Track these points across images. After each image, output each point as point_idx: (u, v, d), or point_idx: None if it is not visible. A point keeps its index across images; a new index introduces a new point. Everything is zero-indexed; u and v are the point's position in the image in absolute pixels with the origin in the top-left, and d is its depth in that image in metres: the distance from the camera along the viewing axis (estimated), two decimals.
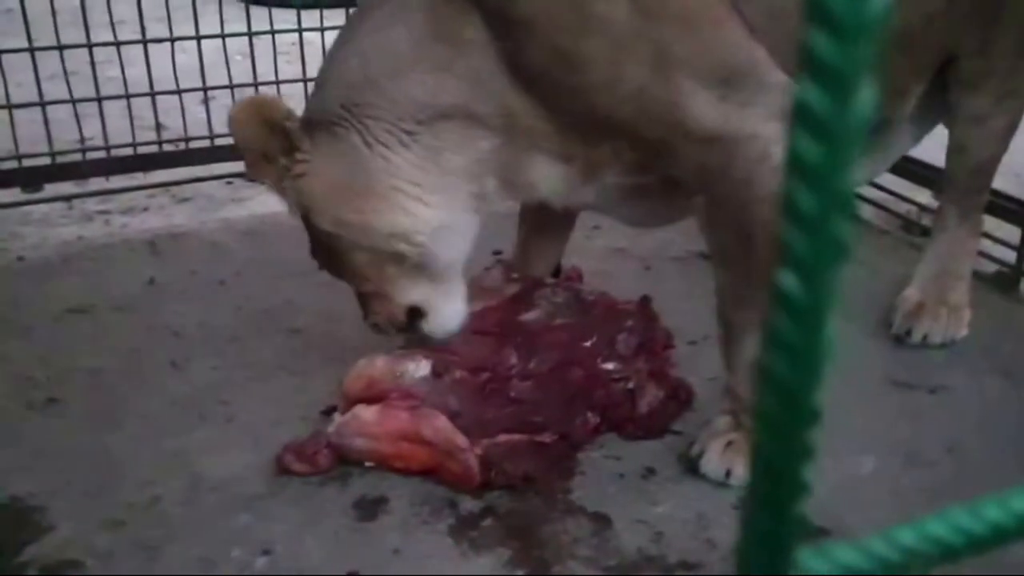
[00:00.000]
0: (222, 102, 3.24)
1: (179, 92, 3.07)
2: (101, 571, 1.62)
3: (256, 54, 3.16)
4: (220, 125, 3.18)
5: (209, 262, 2.73)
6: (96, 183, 3.15)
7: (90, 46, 2.92)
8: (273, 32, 3.17)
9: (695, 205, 1.80)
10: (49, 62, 2.92)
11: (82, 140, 3.07)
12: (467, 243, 1.87)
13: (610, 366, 1.93)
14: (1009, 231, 2.65)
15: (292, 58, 3.29)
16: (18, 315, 2.43)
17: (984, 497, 0.38)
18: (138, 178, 3.17)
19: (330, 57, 1.86)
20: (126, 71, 3.00)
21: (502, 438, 1.80)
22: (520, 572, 1.61)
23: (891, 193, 3.05)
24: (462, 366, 1.86)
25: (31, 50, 2.84)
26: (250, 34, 3.14)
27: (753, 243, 1.68)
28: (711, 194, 1.73)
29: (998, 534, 0.37)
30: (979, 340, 2.31)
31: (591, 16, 1.61)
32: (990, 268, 2.67)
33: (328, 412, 1.96)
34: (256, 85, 3.16)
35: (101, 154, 3.06)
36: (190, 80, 3.10)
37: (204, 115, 3.18)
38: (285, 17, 3.37)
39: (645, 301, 2.08)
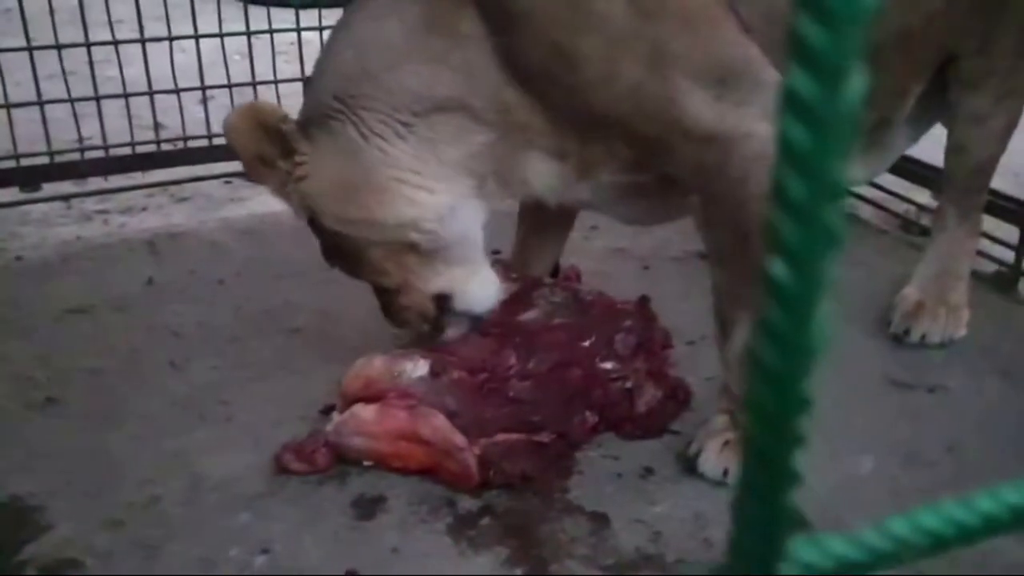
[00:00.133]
0: (220, 101, 3.25)
1: (177, 91, 3.07)
2: (100, 570, 1.62)
3: (254, 53, 3.16)
4: (218, 124, 3.16)
5: (208, 262, 2.73)
6: (95, 183, 3.15)
7: (88, 45, 2.92)
8: (271, 31, 3.17)
9: (691, 204, 1.80)
10: (47, 61, 2.92)
11: (80, 139, 3.07)
12: (477, 224, 1.87)
13: (608, 366, 1.93)
14: (1008, 231, 2.65)
15: (290, 57, 3.30)
16: (17, 315, 2.43)
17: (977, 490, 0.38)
18: (136, 177, 3.17)
19: (326, 49, 1.86)
20: (124, 70, 3.00)
21: (500, 437, 1.80)
22: (518, 571, 1.62)
23: (890, 193, 3.05)
24: (460, 366, 1.86)
25: (29, 49, 2.84)
26: (248, 33, 3.14)
27: (749, 241, 1.68)
28: (707, 193, 1.73)
29: (990, 526, 0.37)
30: (978, 340, 2.31)
31: (588, 12, 1.61)
32: (989, 268, 2.67)
33: (327, 411, 1.96)
34: (255, 84, 3.16)
35: (99, 153, 3.06)
36: (188, 79, 3.10)
37: (202, 114, 3.18)
38: (283, 16, 3.37)
39: (643, 301, 2.08)
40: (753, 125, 1.64)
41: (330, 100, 1.78)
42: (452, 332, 1.92)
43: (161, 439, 1.95)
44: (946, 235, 2.37)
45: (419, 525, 1.72)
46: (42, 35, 2.89)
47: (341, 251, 1.88)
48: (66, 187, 3.13)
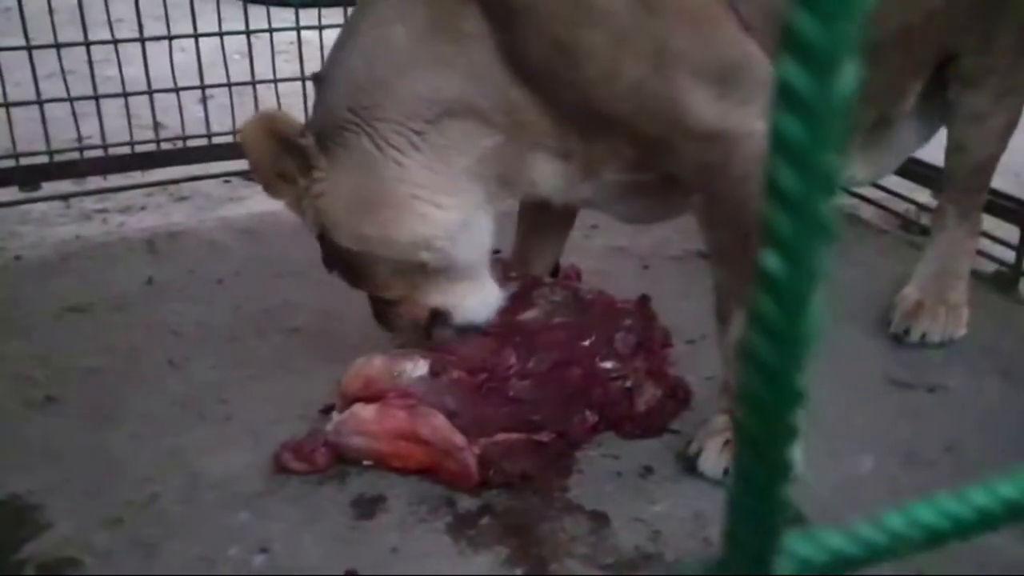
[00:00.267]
0: (220, 101, 3.25)
1: (177, 91, 3.07)
2: (99, 569, 1.62)
3: (254, 53, 3.16)
4: (218, 124, 3.20)
5: (207, 261, 2.73)
6: (94, 182, 3.15)
7: (87, 44, 2.92)
8: (271, 30, 3.17)
9: (693, 202, 1.80)
10: (47, 61, 2.92)
11: (80, 139, 3.06)
12: (485, 241, 1.88)
13: (608, 365, 1.93)
14: (1008, 230, 2.65)
15: (290, 57, 3.30)
16: (16, 314, 2.42)
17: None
18: (136, 177, 3.17)
19: (332, 58, 1.85)
20: (124, 70, 3.00)
21: (500, 437, 1.80)
22: (518, 570, 1.61)
23: (890, 192, 3.05)
24: (460, 365, 1.86)
25: (28, 48, 2.84)
26: (248, 32, 3.14)
27: (751, 240, 1.67)
28: (709, 191, 1.73)
29: (985, 519, 0.37)
30: (978, 339, 2.31)
31: (590, 8, 1.61)
32: (989, 267, 2.67)
33: (326, 411, 1.96)
34: (254, 84, 3.16)
35: (99, 153, 3.06)
36: (188, 79, 3.10)
37: (202, 114, 3.18)
38: (283, 16, 3.37)
39: (643, 300, 2.08)
40: (755, 124, 1.64)
41: (344, 112, 1.77)
42: (441, 339, 1.92)
43: (160, 438, 1.94)
44: (946, 234, 2.37)
45: (419, 525, 1.72)
46: (41, 34, 2.89)
47: (346, 264, 1.88)
48: (65, 186, 3.12)
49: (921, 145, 2.40)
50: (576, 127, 1.72)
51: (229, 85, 3.14)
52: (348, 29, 1.85)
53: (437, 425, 1.77)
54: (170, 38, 3.04)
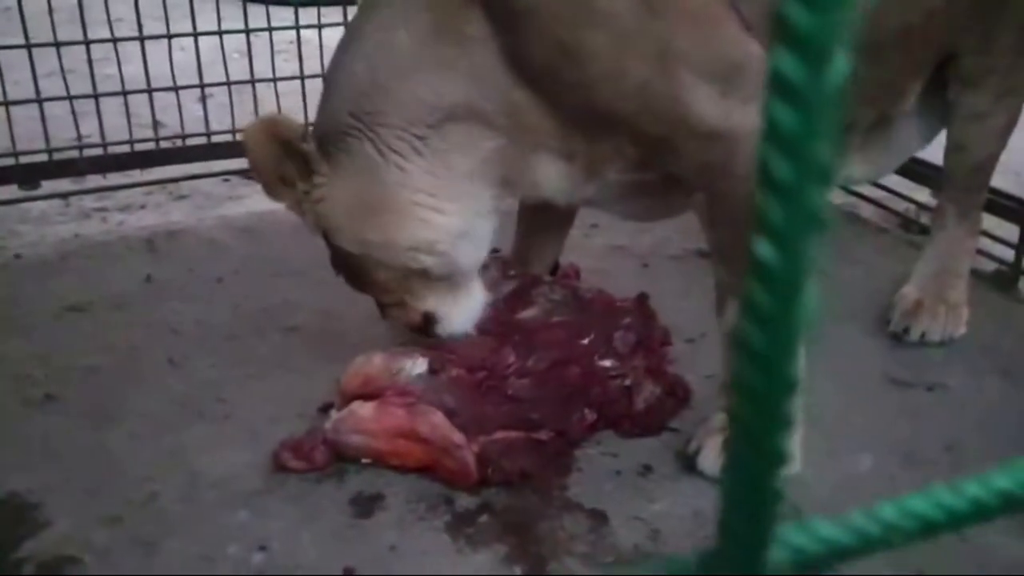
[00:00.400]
0: (219, 100, 3.25)
1: (176, 89, 3.07)
2: (99, 567, 1.62)
3: (253, 52, 3.16)
4: (217, 122, 3.20)
5: (206, 260, 2.73)
6: (93, 180, 3.15)
7: (87, 43, 2.92)
8: (271, 29, 3.17)
9: (695, 201, 1.80)
10: (46, 59, 2.92)
11: (79, 137, 3.06)
12: (485, 247, 1.90)
13: (607, 363, 1.93)
14: (1008, 229, 2.65)
15: (289, 56, 3.30)
16: (16, 313, 2.42)
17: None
18: (135, 175, 3.17)
19: (335, 63, 1.85)
20: (123, 68, 3.00)
21: (499, 435, 1.80)
22: (517, 568, 1.61)
23: (890, 191, 3.05)
24: (459, 364, 1.86)
25: (28, 47, 2.84)
26: (247, 31, 3.14)
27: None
28: (712, 190, 1.73)
29: (979, 511, 0.37)
30: (977, 338, 2.31)
31: (593, 9, 1.60)
32: (989, 266, 2.67)
33: (325, 409, 1.96)
34: (253, 83, 3.16)
35: (98, 151, 3.05)
36: (187, 77, 3.10)
37: (201, 112, 3.18)
38: (282, 15, 3.37)
39: (642, 298, 2.08)
40: (757, 122, 1.63)
41: (346, 117, 1.77)
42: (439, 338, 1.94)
43: (159, 437, 1.94)
44: (946, 233, 2.36)
45: (417, 523, 1.72)
46: (41, 33, 2.89)
47: (349, 268, 1.89)
48: (65, 185, 3.12)
49: (922, 146, 2.39)
50: (579, 128, 1.72)
51: (228, 84, 3.14)
52: (350, 33, 1.85)
53: (436, 423, 1.77)
54: (169, 37, 3.04)
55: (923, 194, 3.03)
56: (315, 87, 2.94)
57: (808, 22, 0.27)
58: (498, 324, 1.94)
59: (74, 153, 3.04)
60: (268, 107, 3.07)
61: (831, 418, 1.87)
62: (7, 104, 2.88)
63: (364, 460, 1.84)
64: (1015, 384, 2.15)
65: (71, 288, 2.54)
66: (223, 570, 1.61)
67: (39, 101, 2.90)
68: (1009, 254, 2.63)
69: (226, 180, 3.30)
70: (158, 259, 2.75)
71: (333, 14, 3.25)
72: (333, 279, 1.96)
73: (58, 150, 3.00)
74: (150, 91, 3.03)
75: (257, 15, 3.27)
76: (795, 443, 1.66)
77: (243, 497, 1.78)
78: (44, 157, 2.99)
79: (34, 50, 2.85)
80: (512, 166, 1.78)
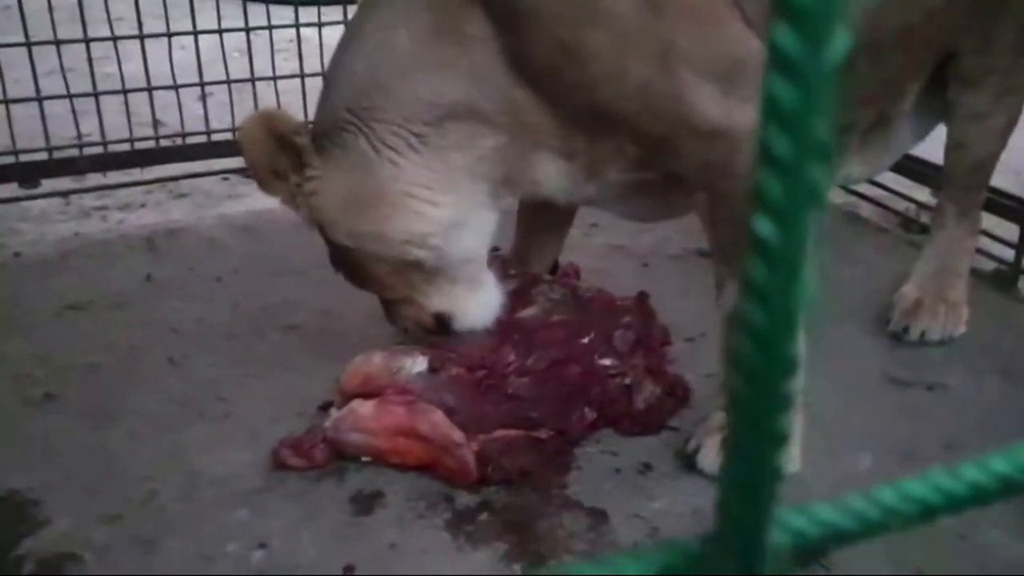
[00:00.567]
0: (219, 98, 3.25)
1: (176, 88, 3.07)
2: (99, 565, 1.62)
3: (253, 51, 3.16)
4: (217, 121, 3.20)
5: (206, 258, 2.73)
6: (93, 179, 3.15)
7: (87, 41, 2.92)
8: (271, 28, 3.17)
9: (697, 200, 1.80)
10: (46, 58, 2.92)
11: (79, 136, 3.06)
12: (483, 239, 1.88)
13: (607, 362, 1.93)
14: (1008, 229, 2.65)
15: (289, 55, 3.30)
16: (16, 311, 2.42)
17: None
18: (135, 174, 3.17)
19: (335, 60, 1.85)
20: (123, 67, 3.00)
21: (499, 433, 1.80)
22: (516, 566, 1.61)
23: (890, 191, 3.05)
24: (459, 363, 1.86)
25: (28, 45, 2.84)
26: (247, 30, 3.14)
27: None
28: (713, 190, 1.73)
29: (977, 494, 0.37)
30: (977, 338, 2.31)
31: (595, 9, 1.60)
32: (988, 266, 2.67)
33: (325, 407, 1.96)
34: (253, 81, 3.16)
35: (98, 150, 3.06)
36: (187, 76, 3.10)
37: (201, 111, 3.18)
38: (282, 14, 3.37)
39: (642, 298, 2.08)
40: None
41: (343, 113, 1.77)
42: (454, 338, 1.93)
43: (159, 435, 1.94)
44: (945, 233, 2.36)
45: (417, 521, 1.72)
46: (41, 31, 2.89)
47: (347, 263, 1.89)
48: (65, 183, 3.12)
49: (917, 142, 2.39)
50: (580, 127, 1.72)
51: (228, 83, 3.14)
52: (351, 32, 1.85)
53: (436, 421, 1.77)
54: (169, 35, 3.04)
55: (923, 193, 3.04)
56: (315, 86, 2.94)
57: None
58: (498, 323, 1.94)
59: (74, 151, 3.04)
60: (268, 105, 3.06)
61: (830, 417, 1.87)
62: (7, 102, 2.88)
63: (364, 458, 1.84)
64: (1015, 383, 2.15)
65: (71, 287, 2.54)
66: (223, 568, 1.61)
67: (39, 99, 2.90)
68: (1009, 253, 2.64)
69: (226, 179, 3.30)
70: (158, 258, 2.75)
71: (333, 12, 3.25)
72: (333, 278, 1.96)
73: (58, 148, 3.00)
74: (150, 89, 3.03)
75: (257, 14, 3.28)
76: (794, 442, 1.66)
77: (243, 495, 1.78)
78: (44, 155, 2.99)
79: (34, 48, 2.85)
80: (512, 164, 1.78)
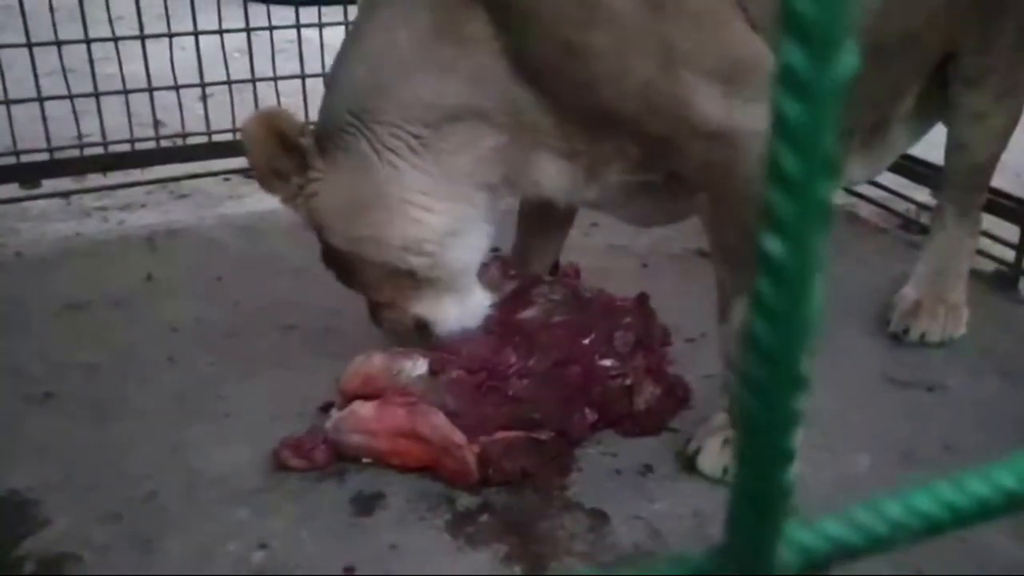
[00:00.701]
0: (220, 99, 3.25)
1: (177, 88, 3.07)
2: (98, 564, 1.62)
3: (254, 51, 3.16)
4: (218, 121, 3.19)
5: (206, 258, 2.73)
6: (94, 179, 3.16)
7: (88, 42, 2.92)
8: (271, 28, 3.17)
9: (698, 202, 1.79)
10: (47, 58, 2.92)
11: (80, 136, 3.07)
12: (478, 248, 1.89)
13: (607, 363, 1.93)
14: (1008, 230, 2.65)
15: (290, 55, 3.29)
16: (16, 311, 2.42)
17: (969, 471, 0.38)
18: (135, 174, 3.17)
19: (337, 62, 1.86)
20: (124, 68, 3.00)
21: (499, 435, 1.80)
22: (517, 568, 1.61)
23: (890, 191, 3.05)
24: (460, 364, 1.86)
25: (29, 45, 2.84)
26: (248, 30, 3.14)
27: (755, 241, 1.66)
28: (715, 191, 1.72)
29: (983, 508, 0.37)
30: (977, 339, 2.31)
31: (597, 8, 1.60)
32: (989, 267, 2.67)
33: (325, 408, 1.96)
34: (254, 82, 3.16)
35: (99, 150, 3.06)
36: (188, 77, 3.10)
37: (202, 111, 3.18)
38: (283, 14, 3.37)
39: (643, 298, 2.07)
40: (761, 122, 1.62)
41: (344, 115, 1.77)
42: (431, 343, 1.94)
43: (159, 435, 1.94)
44: (945, 233, 2.36)
45: (417, 522, 1.72)
46: (42, 32, 2.89)
47: (338, 263, 1.89)
48: (65, 183, 3.13)
49: (915, 142, 2.39)
50: (581, 127, 1.72)
51: (229, 83, 3.14)
52: (352, 33, 1.86)
53: (436, 423, 1.77)
54: (170, 36, 3.04)
55: (923, 194, 3.03)
56: (316, 86, 2.95)
57: (816, 15, 0.27)
58: (498, 324, 1.94)
59: (75, 152, 3.05)
60: (269, 106, 3.06)
61: (830, 417, 1.87)
62: (8, 103, 2.89)
63: (364, 459, 1.84)
64: (1014, 384, 2.15)
65: (71, 286, 2.54)
66: (223, 568, 1.61)
67: (40, 100, 2.91)
68: (1009, 254, 2.63)
69: (227, 179, 3.30)
70: (158, 258, 2.75)
71: (334, 13, 3.25)
72: (333, 278, 1.96)
73: (59, 149, 3.00)
74: (151, 90, 3.04)
75: (258, 14, 3.28)
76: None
77: (243, 495, 1.78)
78: (45, 156, 2.99)
79: (35, 49, 2.85)
80: (512, 165, 1.78)
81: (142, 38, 2.97)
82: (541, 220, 2.21)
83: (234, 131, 3.12)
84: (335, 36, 1.99)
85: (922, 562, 1.58)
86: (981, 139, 2.23)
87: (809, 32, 0.27)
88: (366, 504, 1.76)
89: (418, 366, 1.85)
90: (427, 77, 1.71)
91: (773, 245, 0.30)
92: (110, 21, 2.94)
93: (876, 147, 2.23)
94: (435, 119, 1.73)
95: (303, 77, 3.17)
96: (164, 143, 3.15)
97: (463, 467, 1.76)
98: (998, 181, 2.46)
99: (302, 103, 3.10)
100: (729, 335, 1.80)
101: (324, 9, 3.18)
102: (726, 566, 0.35)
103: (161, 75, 3.06)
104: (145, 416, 2.01)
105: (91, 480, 1.81)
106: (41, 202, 3.09)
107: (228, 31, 3.12)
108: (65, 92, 2.97)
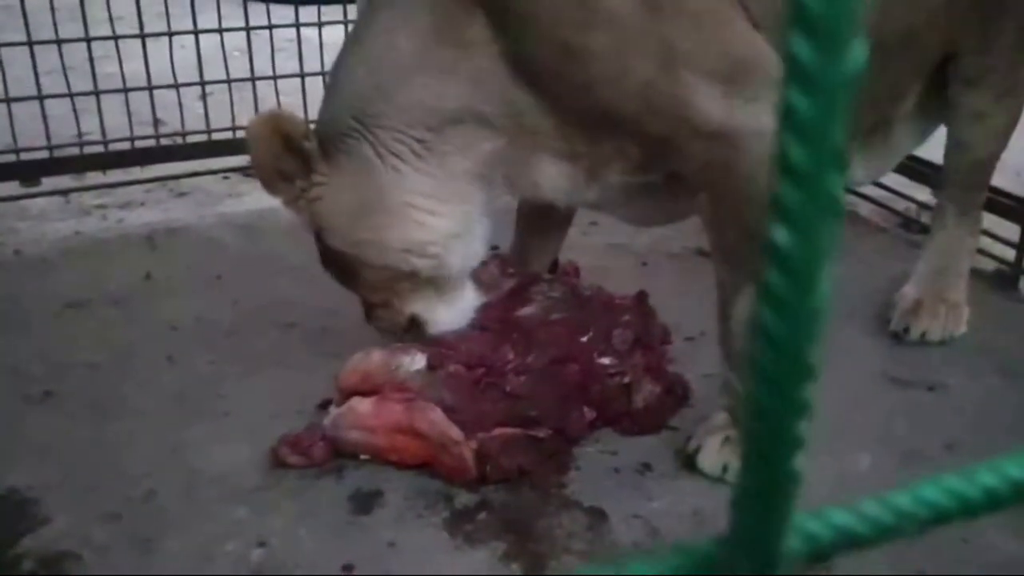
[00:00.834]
0: (219, 98, 3.25)
1: (177, 87, 3.07)
2: (97, 563, 1.61)
3: (254, 50, 3.16)
4: (217, 120, 3.20)
5: (206, 257, 2.73)
6: (93, 177, 3.16)
7: (88, 40, 2.92)
8: (271, 27, 3.17)
9: (698, 202, 1.79)
10: (47, 57, 2.92)
11: (80, 134, 3.07)
12: (478, 249, 1.89)
13: (606, 361, 1.93)
14: (1008, 229, 2.65)
15: (290, 54, 3.29)
16: (15, 310, 2.42)
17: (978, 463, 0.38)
18: (135, 173, 3.18)
19: (337, 66, 1.85)
20: (124, 66, 3.00)
21: (497, 432, 1.79)
22: (515, 566, 1.61)
23: (890, 190, 3.05)
24: (458, 361, 1.86)
25: (29, 44, 2.84)
26: (248, 29, 3.14)
27: (756, 240, 1.67)
28: (715, 191, 1.72)
29: (991, 499, 0.37)
30: (977, 338, 2.31)
31: (596, 10, 1.60)
32: (989, 266, 2.67)
33: (324, 405, 1.96)
34: (254, 80, 3.16)
35: (99, 148, 3.06)
36: (188, 75, 3.10)
37: (202, 110, 3.18)
38: (283, 13, 3.38)
39: (642, 297, 2.07)
40: (763, 122, 1.62)
41: (347, 119, 1.77)
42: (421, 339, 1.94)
43: (158, 433, 1.94)
44: (945, 233, 2.36)
45: (416, 519, 1.72)
46: (42, 30, 2.89)
47: (339, 266, 1.89)
48: (65, 182, 3.13)
49: (919, 143, 2.39)
50: (581, 128, 1.72)
51: (229, 82, 3.14)
52: (352, 36, 1.86)
53: (434, 419, 1.77)
54: (170, 35, 3.05)
55: (923, 193, 3.03)
56: (315, 85, 2.95)
57: (824, 8, 0.27)
58: (497, 321, 1.93)
59: (75, 150, 3.05)
60: (268, 105, 3.06)
61: (830, 417, 1.86)
62: (8, 101, 2.89)
63: (363, 456, 1.84)
64: (1015, 384, 2.14)
65: (71, 285, 2.54)
66: (222, 567, 1.61)
67: (40, 98, 2.91)
68: (1009, 253, 2.63)
69: (226, 178, 3.30)
70: (158, 256, 2.75)
71: (333, 12, 3.25)
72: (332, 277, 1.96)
73: (59, 147, 3.00)
74: (151, 88, 3.04)
75: (258, 13, 3.28)
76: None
77: (242, 493, 1.78)
78: (45, 154, 2.99)
79: (35, 47, 2.86)
80: (513, 166, 1.78)
81: (142, 37, 2.97)
82: (540, 219, 2.21)
83: (234, 129, 3.13)
84: (335, 35, 1.99)
85: (922, 561, 1.58)
86: (981, 138, 2.23)
87: (817, 25, 0.27)
88: (364, 502, 1.76)
89: (416, 361, 1.85)
90: (428, 80, 1.71)
91: (781, 237, 0.30)
92: (110, 20, 2.94)
93: (879, 147, 2.23)
94: (437, 122, 1.73)
95: (303, 76, 3.17)
96: (164, 141, 3.16)
97: (460, 463, 1.76)
98: (998, 180, 2.46)
99: (301, 102, 3.09)
100: (729, 334, 1.80)
101: (324, 8, 3.19)
102: (733, 555, 0.34)
103: (161, 74, 3.06)
104: (145, 415, 2.01)
105: (91, 479, 1.81)
106: (41, 200, 3.10)
107: (228, 30, 3.13)
108: (65, 90, 2.97)
